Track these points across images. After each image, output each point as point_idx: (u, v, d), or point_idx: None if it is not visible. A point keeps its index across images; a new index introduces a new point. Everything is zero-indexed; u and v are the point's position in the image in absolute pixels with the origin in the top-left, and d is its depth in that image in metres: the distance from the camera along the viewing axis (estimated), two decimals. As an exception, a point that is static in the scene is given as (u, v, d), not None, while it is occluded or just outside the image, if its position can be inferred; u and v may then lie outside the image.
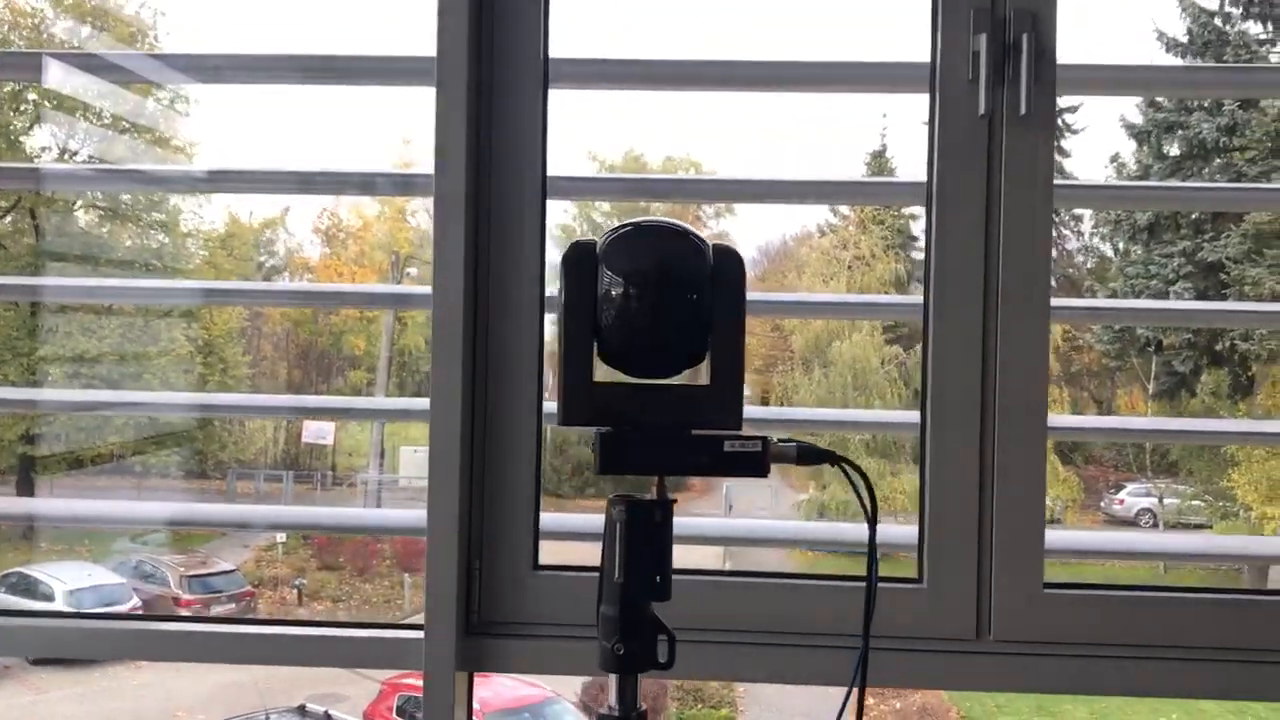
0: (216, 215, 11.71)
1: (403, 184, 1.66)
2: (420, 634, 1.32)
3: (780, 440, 0.82)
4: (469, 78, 1.31)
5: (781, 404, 12.49)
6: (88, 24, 9.79)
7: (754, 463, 0.79)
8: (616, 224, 0.80)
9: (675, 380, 0.80)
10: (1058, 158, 12.97)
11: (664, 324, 0.77)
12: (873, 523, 0.85)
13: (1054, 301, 1.33)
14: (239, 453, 11.33)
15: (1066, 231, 12.84)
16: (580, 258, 0.78)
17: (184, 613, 9.47)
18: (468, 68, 1.31)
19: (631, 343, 0.78)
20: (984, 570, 1.33)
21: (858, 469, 0.84)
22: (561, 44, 1.39)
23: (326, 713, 6.88)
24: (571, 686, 7.67)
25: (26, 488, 9.38)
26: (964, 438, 1.33)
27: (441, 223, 1.30)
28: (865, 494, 0.84)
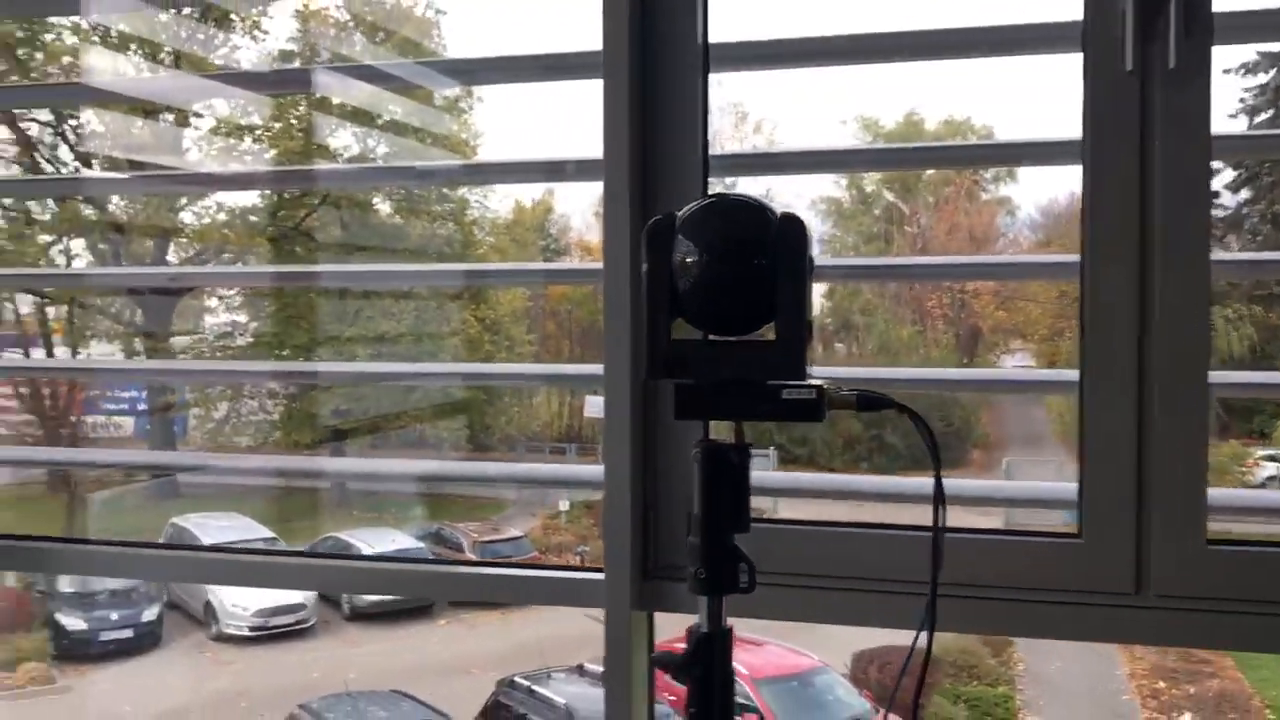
0: (501, 203, 12.34)
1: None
2: (601, 576, 1.47)
3: (845, 389, 0.89)
4: (631, 69, 1.43)
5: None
6: (380, 32, 10.58)
7: (811, 408, 0.87)
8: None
9: (748, 337, 0.89)
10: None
11: (732, 287, 0.87)
12: (938, 472, 0.91)
13: (1215, 255, 1.31)
14: (524, 426, 11.95)
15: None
16: (659, 230, 0.89)
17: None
18: (629, 59, 1.43)
19: (705, 305, 0.88)
20: (1144, 526, 1.33)
21: (919, 418, 0.90)
22: (730, 25, 1.49)
23: (605, 673, 7.24)
24: (841, 657, 7.68)
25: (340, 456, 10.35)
26: (1122, 395, 1.34)
27: (609, 209, 1.43)
28: (929, 443, 0.90)
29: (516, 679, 7.55)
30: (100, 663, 8.68)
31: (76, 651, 8.60)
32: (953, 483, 1.25)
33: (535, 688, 7.41)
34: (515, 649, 8.62)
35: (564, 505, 10.54)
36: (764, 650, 7.22)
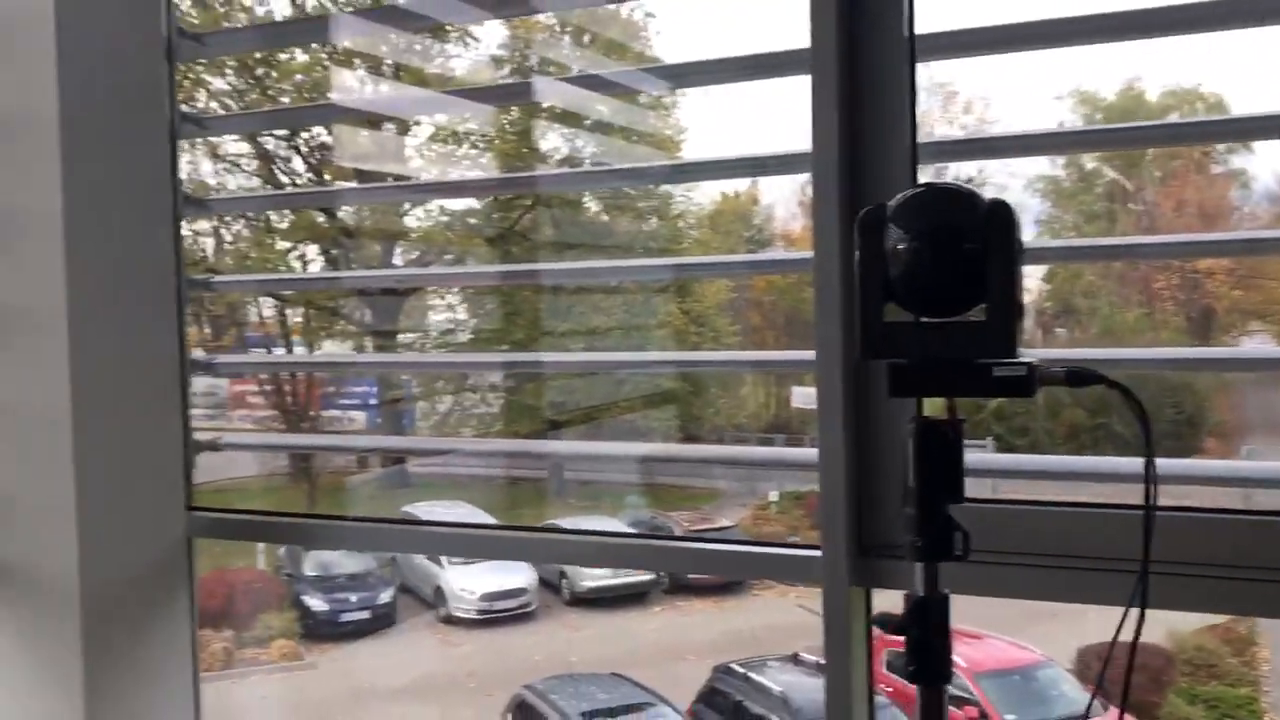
0: (705, 195, 12.42)
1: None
2: (819, 553, 1.53)
3: (1055, 366, 0.93)
4: (839, 64, 1.48)
5: (1313, 355, 11.14)
6: (585, 34, 10.84)
7: (1021, 385, 0.91)
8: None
9: (959, 318, 0.94)
10: None
11: (943, 271, 0.92)
12: (1149, 449, 0.92)
13: None
14: (731, 417, 12.03)
15: None
16: (871, 220, 0.95)
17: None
18: (837, 55, 1.48)
19: (916, 289, 0.94)
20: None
21: (1129, 392, 0.92)
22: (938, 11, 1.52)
23: (818, 662, 7.26)
24: (1066, 653, 7.46)
25: (559, 445, 10.72)
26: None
27: (819, 200, 1.49)
28: (1138, 416, 0.92)
29: (732, 665, 7.66)
30: (341, 641, 9.31)
31: (320, 631, 9.26)
32: (1172, 462, 1.26)
33: (751, 675, 7.50)
34: (729, 637, 8.74)
35: (773, 496, 10.56)
36: (984, 644, 7.08)
